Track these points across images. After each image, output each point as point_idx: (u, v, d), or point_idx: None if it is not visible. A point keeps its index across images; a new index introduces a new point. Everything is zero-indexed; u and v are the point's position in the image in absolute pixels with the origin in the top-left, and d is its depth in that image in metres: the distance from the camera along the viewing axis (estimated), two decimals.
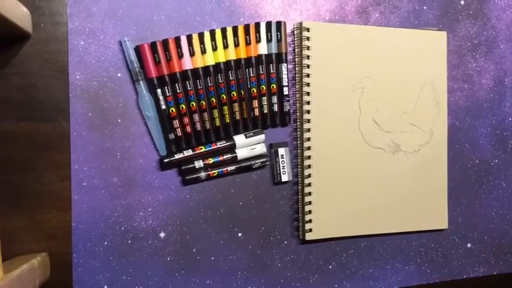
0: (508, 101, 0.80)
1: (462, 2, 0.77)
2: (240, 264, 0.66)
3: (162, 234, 0.63)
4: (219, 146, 0.63)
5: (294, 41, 0.67)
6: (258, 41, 0.64)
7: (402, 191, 0.72)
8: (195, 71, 0.62)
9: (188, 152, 0.62)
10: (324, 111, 0.67)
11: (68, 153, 0.59)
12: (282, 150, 0.66)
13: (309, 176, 0.67)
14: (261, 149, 0.65)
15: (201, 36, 0.61)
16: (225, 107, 0.64)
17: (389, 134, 0.71)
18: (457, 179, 0.77)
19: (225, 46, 0.63)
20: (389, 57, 0.71)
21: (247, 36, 0.63)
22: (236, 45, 0.63)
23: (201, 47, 0.62)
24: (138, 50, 0.60)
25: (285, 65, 0.65)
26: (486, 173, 0.79)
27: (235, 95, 0.64)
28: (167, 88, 0.61)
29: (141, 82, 0.60)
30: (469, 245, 0.78)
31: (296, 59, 0.67)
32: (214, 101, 0.63)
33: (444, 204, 0.75)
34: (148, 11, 0.61)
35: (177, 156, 0.62)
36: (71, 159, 0.59)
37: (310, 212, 0.67)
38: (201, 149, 0.63)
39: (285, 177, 0.66)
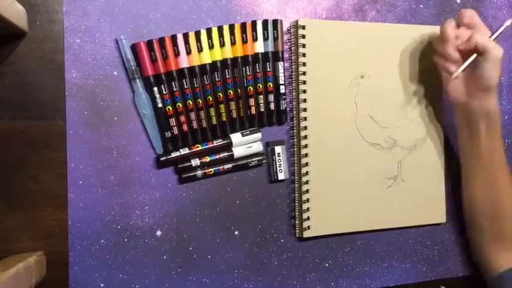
0: (504, 99, 0.80)
1: (458, 1, 0.77)
2: (237, 263, 0.66)
3: (158, 233, 0.63)
4: (215, 144, 0.63)
5: (290, 39, 0.67)
6: (255, 39, 0.64)
7: (400, 187, 0.72)
8: (191, 69, 0.62)
9: (185, 150, 0.62)
10: (321, 109, 0.67)
11: (64, 152, 0.58)
12: (278, 149, 0.66)
13: (307, 173, 0.67)
14: (258, 147, 0.65)
15: (197, 34, 0.61)
16: (222, 106, 0.64)
17: (386, 129, 0.71)
18: (453, 178, 0.77)
19: (222, 44, 0.63)
20: (385, 53, 0.71)
21: (244, 35, 0.63)
22: (233, 43, 0.63)
23: (197, 45, 0.62)
24: (134, 48, 0.60)
25: (282, 63, 0.65)
26: None
27: (231, 93, 0.64)
28: (164, 86, 0.61)
29: (137, 80, 0.60)
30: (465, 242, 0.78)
31: (292, 57, 0.67)
32: (210, 99, 0.63)
33: (442, 198, 0.75)
34: (145, 9, 0.61)
35: (174, 154, 0.62)
36: (67, 157, 0.59)
37: (308, 209, 0.67)
38: (198, 147, 0.63)
39: (281, 176, 0.66)
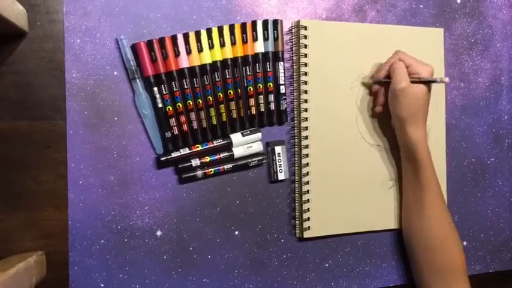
0: (504, 99, 0.80)
1: (458, 1, 0.77)
2: (237, 263, 0.66)
3: (158, 233, 0.63)
4: (215, 144, 0.63)
5: (292, 39, 0.67)
6: (255, 39, 0.64)
7: (400, 188, 0.72)
8: (191, 69, 0.62)
9: (185, 151, 0.62)
10: (322, 109, 0.67)
11: (65, 152, 0.59)
12: (278, 149, 0.66)
13: (307, 174, 0.67)
14: (258, 147, 0.65)
15: (197, 34, 0.61)
16: (222, 106, 0.64)
17: (387, 130, 0.71)
18: (453, 178, 0.77)
19: (222, 44, 0.63)
20: (387, 54, 0.71)
21: (244, 35, 0.63)
22: (233, 43, 0.63)
23: (197, 46, 0.62)
24: (134, 48, 0.60)
25: (282, 63, 0.65)
26: (482, 171, 0.79)
27: (232, 93, 0.64)
28: (164, 86, 0.61)
29: (137, 80, 0.60)
30: (465, 243, 0.78)
31: (294, 57, 0.67)
32: (211, 99, 0.63)
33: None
34: (145, 9, 0.61)
35: (174, 154, 0.62)
36: (67, 157, 0.59)
37: (308, 210, 0.67)
38: (198, 147, 0.63)
39: (281, 176, 0.66)
